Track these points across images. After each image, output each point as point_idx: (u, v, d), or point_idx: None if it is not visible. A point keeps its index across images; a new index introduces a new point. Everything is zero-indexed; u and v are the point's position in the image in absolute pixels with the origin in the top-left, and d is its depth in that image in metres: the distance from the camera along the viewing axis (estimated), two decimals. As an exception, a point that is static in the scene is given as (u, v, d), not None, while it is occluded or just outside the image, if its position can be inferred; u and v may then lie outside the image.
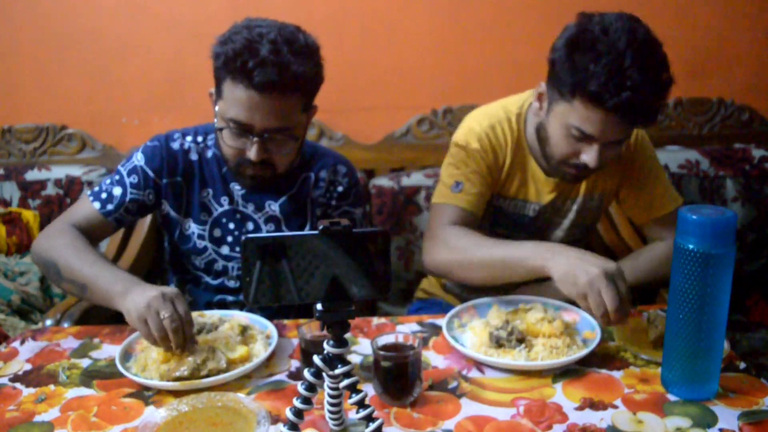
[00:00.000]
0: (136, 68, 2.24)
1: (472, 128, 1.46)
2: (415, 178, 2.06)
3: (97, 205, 1.39)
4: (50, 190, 2.15)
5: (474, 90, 2.22)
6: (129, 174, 1.41)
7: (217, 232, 1.45)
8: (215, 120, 1.32)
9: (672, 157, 2.08)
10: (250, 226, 1.45)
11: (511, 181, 1.48)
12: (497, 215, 1.52)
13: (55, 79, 2.27)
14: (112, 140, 2.31)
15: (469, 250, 1.34)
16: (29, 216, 2.10)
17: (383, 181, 2.08)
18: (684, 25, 2.19)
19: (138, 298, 1.12)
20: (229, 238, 1.45)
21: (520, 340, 1.17)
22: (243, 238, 0.81)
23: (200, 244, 1.46)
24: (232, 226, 1.45)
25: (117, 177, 1.41)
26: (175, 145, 1.43)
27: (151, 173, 1.41)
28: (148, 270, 1.96)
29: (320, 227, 0.81)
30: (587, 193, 1.50)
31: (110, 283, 1.20)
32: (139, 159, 1.42)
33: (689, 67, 2.22)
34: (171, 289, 1.14)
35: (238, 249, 1.45)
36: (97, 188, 1.42)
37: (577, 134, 1.29)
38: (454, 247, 1.36)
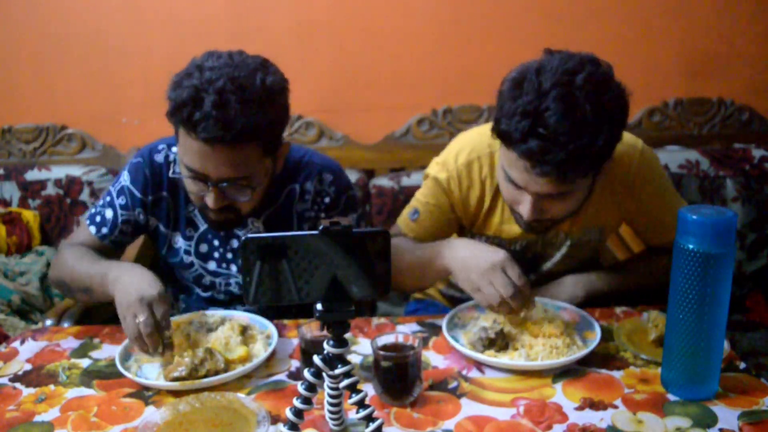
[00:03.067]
0: (136, 68, 2.24)
1: (447, 162, 1.38)
2: (415, 178, 2.05)
3: (93, 229, 1.37)
4: (50, 190, 2.15)
5: (474, 90, 2.22)
6: (118, 195, 1.38)
7: (203, 248, 1.41)
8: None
9: (672, 157, 2.08)
10: (235, 243, 1.40)
11: (491, 218, 1.39)
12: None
13: (55, 79, 2.27)
14: (112, 140, 2.31)
15: (396, 258, 1.35)
16: (29, 216, 2.10)
17: (383, 181, 2.08)
18: (684, 25, 2.19)
19: (126, 289, 1.13)
20: (216, 254, 1.41)
21: (506, 344, 1.17)
22: (243, 238, 0.81)
23: (187, 259, 1.42)
24: (217, 242, 1.41)
25: (108, 198, 1.39)
26: (159, 158, 1.38)
27: (137, 192, 1.37)
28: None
29: (320, 227, 0.81)
30: (584, 226, 1.38)
31: (103, 275, 1.21)
32: (125, 178, 1.38)
33: (689, 67, 2.22)
34: (152, 292, 1.12)
35: (224, 265, 1.42)
36: (93, 210, 1.40)
37: (508, 179, 1.18)
38: None
